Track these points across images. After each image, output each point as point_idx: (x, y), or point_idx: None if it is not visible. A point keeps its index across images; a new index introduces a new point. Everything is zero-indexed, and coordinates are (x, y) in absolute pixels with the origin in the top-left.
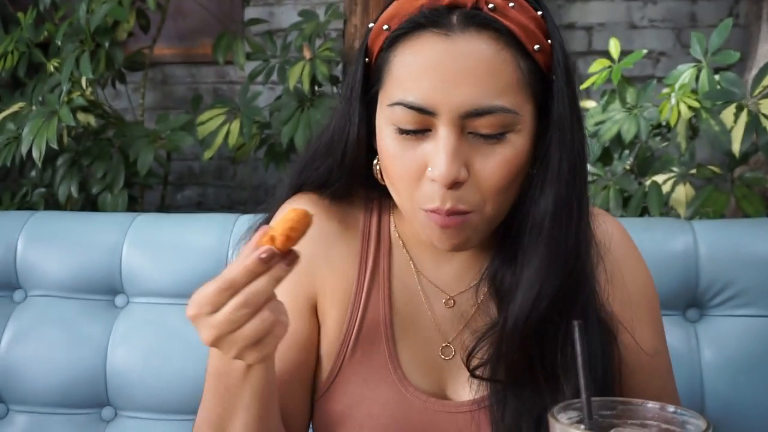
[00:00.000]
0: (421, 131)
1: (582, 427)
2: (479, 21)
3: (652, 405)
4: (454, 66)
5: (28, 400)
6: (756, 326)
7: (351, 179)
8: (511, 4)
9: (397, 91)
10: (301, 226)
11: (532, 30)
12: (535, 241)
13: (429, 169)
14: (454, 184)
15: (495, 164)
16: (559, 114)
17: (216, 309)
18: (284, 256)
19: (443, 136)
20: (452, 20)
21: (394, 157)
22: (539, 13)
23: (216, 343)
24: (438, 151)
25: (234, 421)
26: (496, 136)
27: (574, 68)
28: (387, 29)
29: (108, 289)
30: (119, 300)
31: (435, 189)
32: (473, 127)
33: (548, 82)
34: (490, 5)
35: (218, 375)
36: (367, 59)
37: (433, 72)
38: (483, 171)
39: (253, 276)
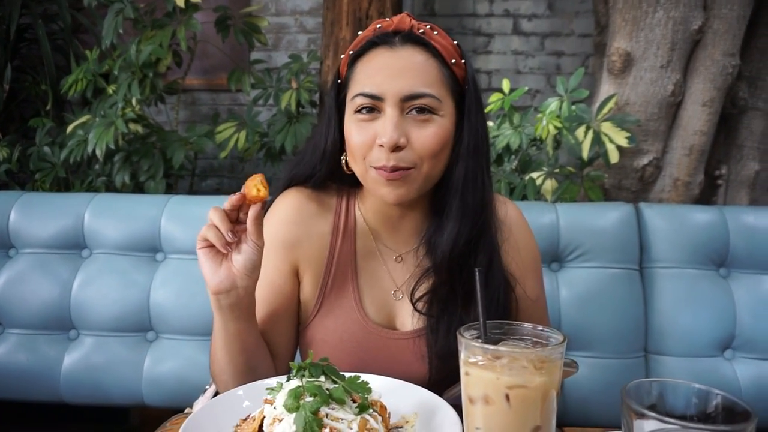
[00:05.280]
0: (372, 113)
1: (480, 340)
2: (414, 39)
3: (527, 326)
4: (396, 66)
5: (93, 326)
6: (594, 274)
7: (328, 171)
8: (435, 32)
9: (358, 87)
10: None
11: (450, 49)
12: (453, 198)
13: (378, 138)
14: (396, 148)
15: (426, 135)
16: (469, 109)
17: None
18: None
19: (389, 114)
20: (396, 39)
21: (354, 134)
22: (455, 42)
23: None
24: (385, 124)
25: (215, 345)
26: (426, 113)
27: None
28: (351, 52)
29: (150, 248)
30: (159, 256)
31: (382, 152)
32: (410, 107)
33: (462, 89)
34: (421, 30)
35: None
36: (339, 80)
37: (383, 71)
38: (418, 140)
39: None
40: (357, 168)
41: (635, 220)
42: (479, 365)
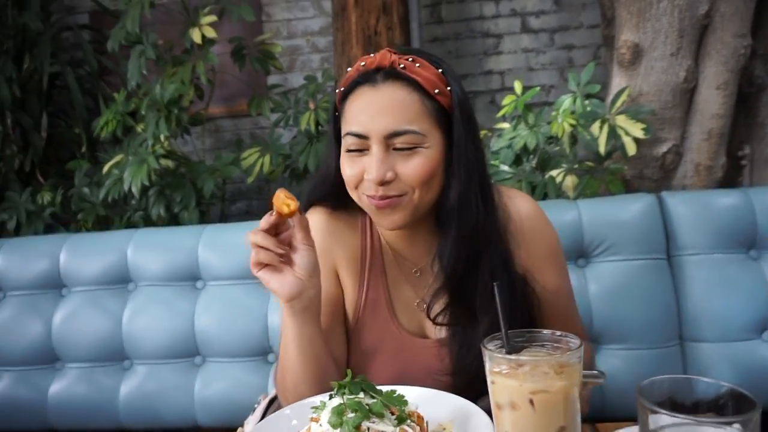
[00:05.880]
0: (361, 150)
1: (503, 351)
2: (395, 75)
3: (546, 332)
4: (379, 105)
5: (144, 355)
6: (622, 267)
7: (339, 194)
8: (417, 65)
9: (347, 126)
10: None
11: (432, 80)
12: (449, 224)
13: (365, 174)
14: (383, 183)
15: (412, 168)
16: (457, 137)
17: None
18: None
19: (374, 152)
20: (378, 77)
21: (346, 168)
22: (440, 70)
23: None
24: (371, 162)
25: (289, 355)
26: (411, 149)
27: (472, 106)
28: (341, 89)
29: (190, 277)
30: (199, 284)
31: (372, 184)
32: (394, 143)
33: (451, 117)
34: (402, 65)
35: (282, 327)
36: (336, 113)
37: (366, 110)
38: (405, 172)
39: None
40: (353, 195)
41: (658, 209)
42: (503, 374)
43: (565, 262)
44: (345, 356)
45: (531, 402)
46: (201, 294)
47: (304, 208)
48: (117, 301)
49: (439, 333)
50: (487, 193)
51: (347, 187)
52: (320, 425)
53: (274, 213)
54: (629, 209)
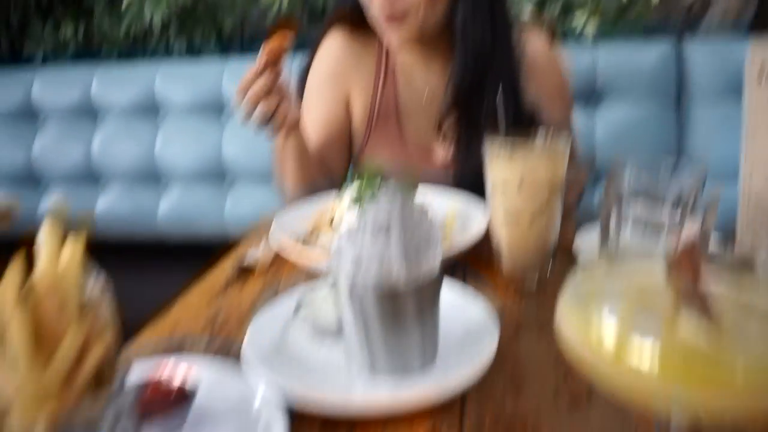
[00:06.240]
0: None
1: (502, 136)
2: None
3: (541, 131)
4: None
5: (178, 177)
6: (631, 111)
7: (360, 14)
8: None
9: None
10: (271, 51)
11: None
12: (459, 40)
13: None
14: (389, 3)
15: None
16: None
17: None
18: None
19: None
20: None
21: None
22: None
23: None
24: None
25: (286, 165)
26: None
27: None
28: None
29: (217, 107)
30: (225, 113)
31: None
32: None
33: None
34: None
35: (276, 146)
36: None
37: None
38: None
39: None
40: (368, 14)
41: (674, 57)
42: (499, 158)
43: (572, 102)
44: (342, 173)
45: (520, 183)
46: (228, 123)
47: (326, 25)
48: (149, 128)
49: (446, 159)
50: (498, 18)
51: (363, 7)
52: (343, 203)
53: (269, 65)
54: (646, 55)
